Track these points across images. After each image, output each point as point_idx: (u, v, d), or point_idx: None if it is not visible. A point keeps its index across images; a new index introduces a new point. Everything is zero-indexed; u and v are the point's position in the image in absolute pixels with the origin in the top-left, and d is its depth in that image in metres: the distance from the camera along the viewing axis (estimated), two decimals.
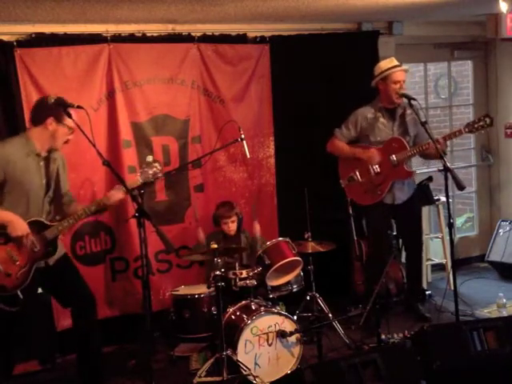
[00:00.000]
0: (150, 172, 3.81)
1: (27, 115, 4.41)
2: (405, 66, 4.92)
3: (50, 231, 3.63)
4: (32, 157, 3.61)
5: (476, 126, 4.46)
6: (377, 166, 4.74)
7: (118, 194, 3.72)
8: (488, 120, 4.44)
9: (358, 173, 4.81)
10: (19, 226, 3.50)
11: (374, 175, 4.76)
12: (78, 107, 3.64)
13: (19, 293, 3.52)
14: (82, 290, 3.84)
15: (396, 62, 4.75)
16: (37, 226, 3.60)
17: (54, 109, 3.59)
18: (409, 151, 4.64)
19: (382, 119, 4.78)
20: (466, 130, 4.50)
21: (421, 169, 6.07)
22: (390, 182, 4.74)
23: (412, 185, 4.94)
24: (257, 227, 4.94)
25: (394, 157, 4.67)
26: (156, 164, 3.84)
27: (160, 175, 3.90)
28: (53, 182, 3.73)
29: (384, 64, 4.77)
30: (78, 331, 3.87)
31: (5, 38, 4.39)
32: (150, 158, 3.90)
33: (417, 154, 4.72)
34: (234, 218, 4.76)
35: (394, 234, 5.41)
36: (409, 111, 4.70)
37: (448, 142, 4.77)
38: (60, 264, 3.76)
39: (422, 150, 4.60)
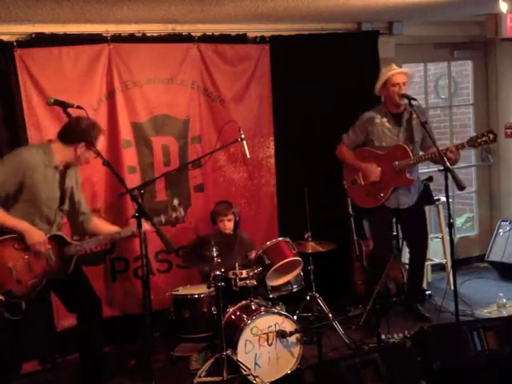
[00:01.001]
0: (173, 215, 3.99)
1: (27, 115, 4.44)
2: (405, 69, 4.91)
3: (69, 248, 3.64)
4: (50, 168, 3.61)
5: (479, 141, 4.43)
6: (379, 170, 4.75)
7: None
8: (492, 136, 4.41)
9: (361, 176, 4.84)
10: (36, 234, 3.50)
11: (376, 180, 4.78)
12: (78, 107, 3.65)
13: (23, 303, 3.49)
14: (89, 295, 3.83)
15: (395, 67, 4.78)
16: (57, 241, 3.63)
17: (86, 134, 3.59)
18: (411, 160, 4.64)
19: (387, 124, 4.77)
20: (469, 144, 4.46)
21: (421, 169, 6.04)
22: (391, 188, 4.74)
23: (417, 189, 4.92)
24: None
25: (397, 164, 4.68)
26: (180, 209, 4.01)
27: (180, 221, 4.24)
28: (67, 198, 3.73)
29: (384, 70, 4.83)
30: (82, 332, 3.87)
31: (5, 38, 4.39)
32: (175, 202, 4.04)
33: (419, 163, 4.73)
34: (231, 217, 4.76)
35: (394, 233, 5.41)
36: (414, 115, 4.68)
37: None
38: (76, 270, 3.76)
39: (425, 159, 4.62)
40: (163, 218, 3.95)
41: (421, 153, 4.76)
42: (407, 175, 4.71)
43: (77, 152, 3.61)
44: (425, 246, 5.06)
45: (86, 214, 3.89)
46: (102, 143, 3.76)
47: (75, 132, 3.60)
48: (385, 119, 4.78)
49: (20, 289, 3.49)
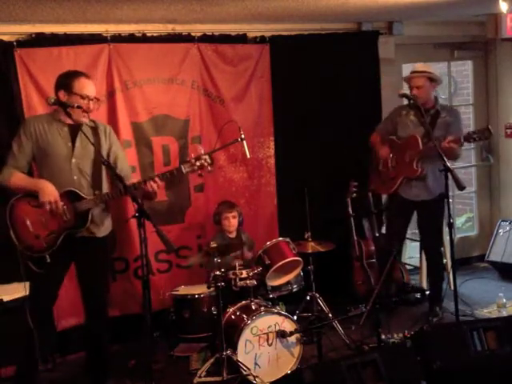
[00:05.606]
0: (197, 164, 3.78)
1: (27, 115, 4.43)
2: (423, 68, 4.81)
3: (81, 203, 3.69)
4: (55, 123, 3.73)
5: (474, 136, 4.38)
6: (394, 160, 4.86)
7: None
8: (487, 133, 4.34)
9: (381, 161, 4.97)
10: (48, 192, 3.60)
11: (391, 167, 4.89)
12: (78, 107, 3.65)
13: (47, 256, 3.61)
14: (99, 288, 3.89)
15: (416, 66, 4.88)
16: (70, 196, 3.68)
17: (62, 82, 3.73)
18: (420, 151, 4.65)
19: (412, 117, 4.83)
20: (463, 140, 4.45)
21: None
22: (400, 178, 4.80)
23: (438, 184, 4.70)
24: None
25: (407, 154, 4.75)
26: (206, 157, 3.78)
27: (210, 169, 3.82)
28: (103, 153, 3.77)
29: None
30: (90, 329, 3.90)
31: (5, 38, 4.39)
32: (200, 148, 3.91)
33: (427, 155, 4.65)
34: (235, 214, 4.78)
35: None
36: (443, 114, 4.73)
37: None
38: (103, 242, 3.86)
39: (431, 152, 4.55)
40: (184, 169, 3.78)
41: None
42: (414, 166, 4.72)
43: (61, 100, 3.68)
44: (434, 242, 5.01)
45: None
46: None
47: (55, 86, 3.76)
48: (411, 112, 4.82)
49: (39, 243, 3.61)
